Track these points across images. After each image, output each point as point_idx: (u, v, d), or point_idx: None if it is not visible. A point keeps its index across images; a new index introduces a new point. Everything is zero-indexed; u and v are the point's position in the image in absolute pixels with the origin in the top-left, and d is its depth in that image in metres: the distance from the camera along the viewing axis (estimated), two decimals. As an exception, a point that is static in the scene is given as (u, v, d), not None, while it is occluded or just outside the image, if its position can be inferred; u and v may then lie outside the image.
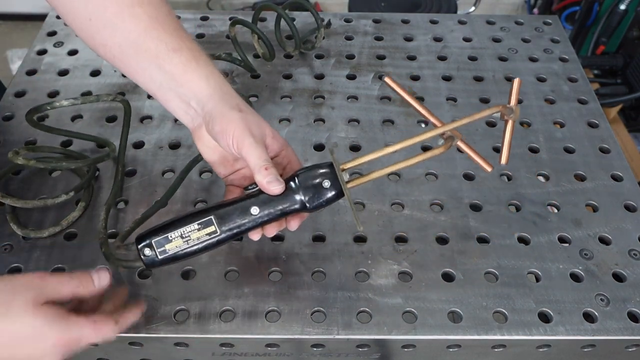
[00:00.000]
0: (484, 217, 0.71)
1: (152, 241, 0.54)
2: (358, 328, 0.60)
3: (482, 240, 0.69)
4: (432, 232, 0.69)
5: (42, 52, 0.93)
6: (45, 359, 0.49)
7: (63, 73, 0.89)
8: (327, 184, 0.55)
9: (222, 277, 0.64)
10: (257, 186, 0.55)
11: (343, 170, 0.56)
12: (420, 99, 0.86)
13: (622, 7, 1.72)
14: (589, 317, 0.62)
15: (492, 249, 0.68)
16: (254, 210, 0.55)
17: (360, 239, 0.68)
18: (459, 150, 0.57)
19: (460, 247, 0.68)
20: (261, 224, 0.56)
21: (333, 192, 0.55)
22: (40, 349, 0.49)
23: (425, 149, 0.77)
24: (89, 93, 0.86)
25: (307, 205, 0.55)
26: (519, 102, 0.87)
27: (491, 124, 0.83)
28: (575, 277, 0.65)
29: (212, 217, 0.54)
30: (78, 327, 0.50)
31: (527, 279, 0.65)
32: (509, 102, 0.58)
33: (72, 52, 0.93)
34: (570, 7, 2.10)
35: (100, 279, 0.53)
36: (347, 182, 0.55)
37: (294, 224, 0.58)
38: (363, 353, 0.63)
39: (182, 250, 0.54)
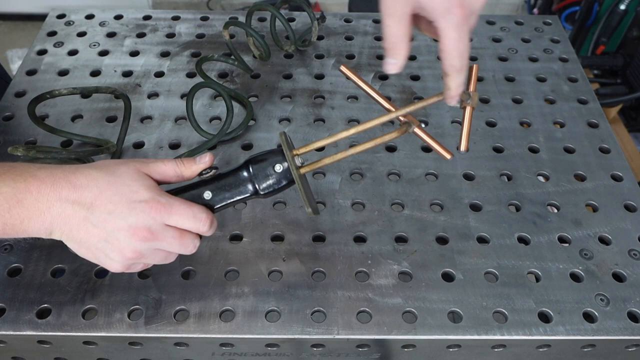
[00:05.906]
0: (484, 217, 0.71)
1: None
2: (358, 328, 0.60)
3: (482, 240, 0.69)
4: (432, 232, 0.69)
5: (42, 52, 0.93)
6: (130, 219, 0.50)
7: (63, 73, 0.89)
8: (278, 168, 0.55)
9: (222, 277, 0.64)
10: (210, 171, 0.56)
11: (296, 155, 0.56)
12: (419, 99, 0.86)
13: (622, 7, 1.73)
14: (589, 317, 0.62)
15: (492, 249, 0.68)
16: (207, 195, 0.56)
17: (360, 239, 0.68)
18: (417, 136, 0.57)
19: (460, 247, 0.68)
20: (214, 209, 0.56)
21: (284, 177, 0.55)
22: (127, 202, 0.51)
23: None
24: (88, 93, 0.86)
25: (260, 191, 0.55)
26: (519, 101, 0.87)
27: (491, 124, 0.83)
28: (575, 277, 0.65)
29: None
30: (173, 200, 0.53)
31: (527, 279, 0.65)
32: (467, 88, 0.57)
33: (72, 52, 0.93)
34: (570, 7, 2.10)
35: (201, 158, 0.57)
36: (300, 167, 0.55)
37: None
38: (363, 353, 0.63)
39: None
